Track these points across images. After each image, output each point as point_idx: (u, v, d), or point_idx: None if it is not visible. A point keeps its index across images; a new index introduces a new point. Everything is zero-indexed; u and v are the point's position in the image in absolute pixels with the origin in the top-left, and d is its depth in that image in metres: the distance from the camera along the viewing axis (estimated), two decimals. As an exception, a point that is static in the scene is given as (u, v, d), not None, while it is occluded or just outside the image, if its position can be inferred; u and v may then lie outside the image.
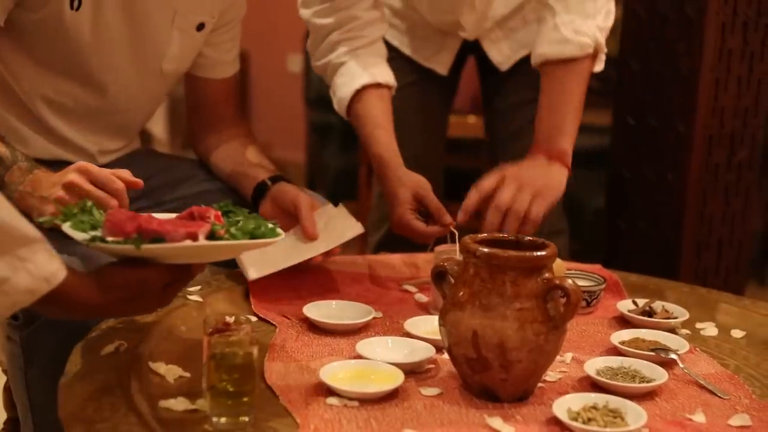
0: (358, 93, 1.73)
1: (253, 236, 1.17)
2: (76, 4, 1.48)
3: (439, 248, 1.55)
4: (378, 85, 1.74)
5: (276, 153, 5.13)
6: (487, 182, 1.55)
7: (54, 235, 1.11)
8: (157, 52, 1.62)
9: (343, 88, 1.75)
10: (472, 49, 2.11)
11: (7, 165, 1.36)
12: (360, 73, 1.73)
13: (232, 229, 1.16)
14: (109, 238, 1.09)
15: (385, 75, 1.77)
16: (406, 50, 2.11)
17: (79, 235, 1.12)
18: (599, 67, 1.69)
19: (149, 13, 1.57)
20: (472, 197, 1.54)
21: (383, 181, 1.67)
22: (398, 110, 1.83)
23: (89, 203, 1.25)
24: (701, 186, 2.46)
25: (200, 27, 1.65)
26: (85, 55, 1.53)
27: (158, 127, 4.77)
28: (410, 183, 1.61)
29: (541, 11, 1.67)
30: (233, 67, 1.80)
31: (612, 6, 1.67)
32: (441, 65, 2.09)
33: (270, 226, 1.20)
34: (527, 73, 1.91)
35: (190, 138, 1.85)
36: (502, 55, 2.06)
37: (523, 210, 1.50)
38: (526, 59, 1.98)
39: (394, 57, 2.02)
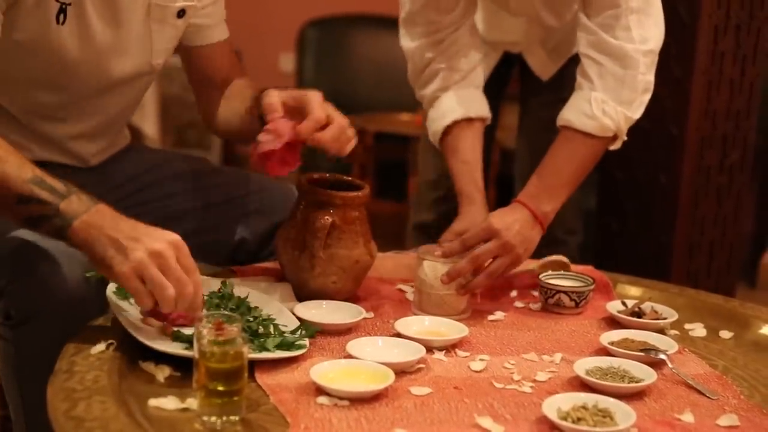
0: (450, 127, 1.80)
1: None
2: (61, 18, 1.46)
3: (422, 248, 1.57)
4: (469, 120, 1.80)
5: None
6: (474, 238, 1.57)
7: None
8: (142, 49, 1.59)
9: (437, 122, 1.82)
10: (514, 59, 2.15)
11: (61, 194, 1.25)
12: (453, 108, 1.80)
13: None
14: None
15: (478, 108, 1.82)
16: None
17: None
18: (615, 146, 1.74)
19: (127, 13, 1.53)
20: (455, 248, 1.56)
21: (459, 212, 1.71)
22: None
23: None
24: (693, 188, 2.47)
25: (181, 14, 1.61)
26: (72, 67, 1.50)
27: (150, 126, 4.76)
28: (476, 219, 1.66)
29: (580, 79, 1.71)
30: (221, 32, 1.74)
31: (647, 98, 1.72)
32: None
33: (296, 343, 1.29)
34: (566, 76, 1.99)
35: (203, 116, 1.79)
36: (544, 67, 2.12)
37: (497, 275, 1.55)
38: (565, 66, 2.07)
39: None
